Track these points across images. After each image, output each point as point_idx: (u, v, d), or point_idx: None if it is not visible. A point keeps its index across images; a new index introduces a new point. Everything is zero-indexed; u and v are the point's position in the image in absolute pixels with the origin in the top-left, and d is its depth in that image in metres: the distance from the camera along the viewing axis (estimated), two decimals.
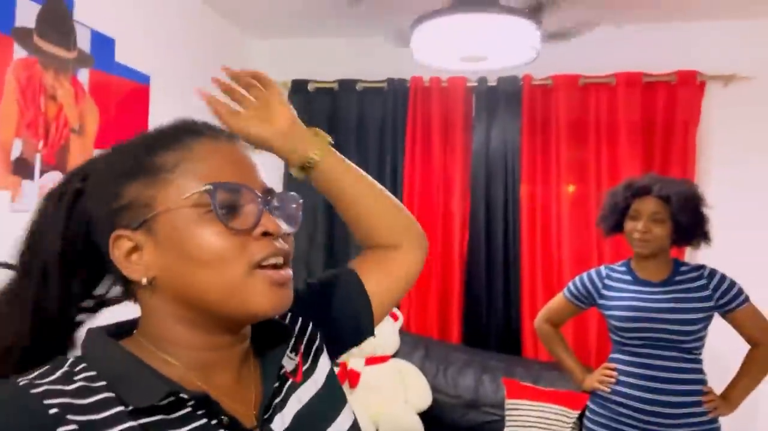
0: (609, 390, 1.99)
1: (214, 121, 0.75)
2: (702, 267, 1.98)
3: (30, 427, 0.52)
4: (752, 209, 2.92)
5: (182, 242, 0.61)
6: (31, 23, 2.08)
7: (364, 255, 0.90)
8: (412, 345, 3.13)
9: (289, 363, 0.71)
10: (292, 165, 0.83)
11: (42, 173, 2.14)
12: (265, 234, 0.62)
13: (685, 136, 2.99)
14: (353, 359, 2.96)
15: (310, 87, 3.45)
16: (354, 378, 2.91)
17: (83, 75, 2.31)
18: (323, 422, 0.71)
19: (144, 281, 0.62)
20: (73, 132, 2.28)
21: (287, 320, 0.78)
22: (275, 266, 0.63)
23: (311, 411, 0.70)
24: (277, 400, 0.67)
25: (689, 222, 1.93)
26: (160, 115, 2.56)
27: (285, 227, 0.65)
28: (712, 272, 1.95)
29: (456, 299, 3.27)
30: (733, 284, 1.94)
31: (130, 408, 0.56)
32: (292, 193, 0.69)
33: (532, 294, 3.16)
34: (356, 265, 0.87)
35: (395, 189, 3.31)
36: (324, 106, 3.44)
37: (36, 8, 2.10)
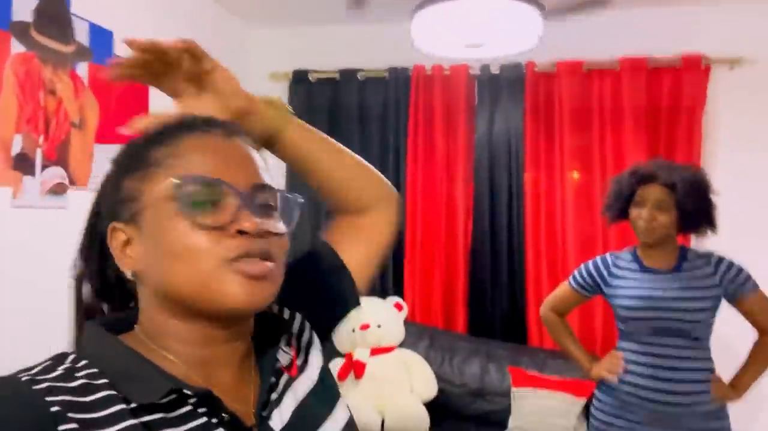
0: (617, 379, 1.98)
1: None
2: (709, 254, 1.96)
3: (31, 424, 0.51)
4: (760, 194, 2.89)
5: (159, 235, 0.61)
6: (28, 17, 2.07)
7: (336, 224, 0.88)
8: (417, 335, 3.13)
9: (283, 357, 0.70)
10: (255, 143, 0.76)
11: (43, 168, 2.13)
12: (242, 232, 0.61)
13: (690, 121, 2.95)
14: (358, 349, 2.96)
15: (312, 77, 3.43)
16: (359, 368, 2.91)
17: (82, 69, 2.30)
18: (320, 417, 0.71)
19: (129, 273, 0.63)
20: (74, 126, 2.26)
21: (287, 316, 0.77)
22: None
23: (308, 407, 0.69)
24: (275, 396, 0.67)
25: (695, 210, 1.91)
26: (161, 106, 2.52)
27: (274, 226, 0.63)
28: (720, 260, 1.93)
29: (461, 288, 3.26)
30: (740, 270, 1.92)
31: (132, 405, 0.56)
32: (290, 193, 0.68)
33: (537, 282, 3.15)
34: (329, 236, 0.86)
35: (398, 179, 3.30)
36: (325, 96, 3.42)
37: (33, 2, 2.08)
